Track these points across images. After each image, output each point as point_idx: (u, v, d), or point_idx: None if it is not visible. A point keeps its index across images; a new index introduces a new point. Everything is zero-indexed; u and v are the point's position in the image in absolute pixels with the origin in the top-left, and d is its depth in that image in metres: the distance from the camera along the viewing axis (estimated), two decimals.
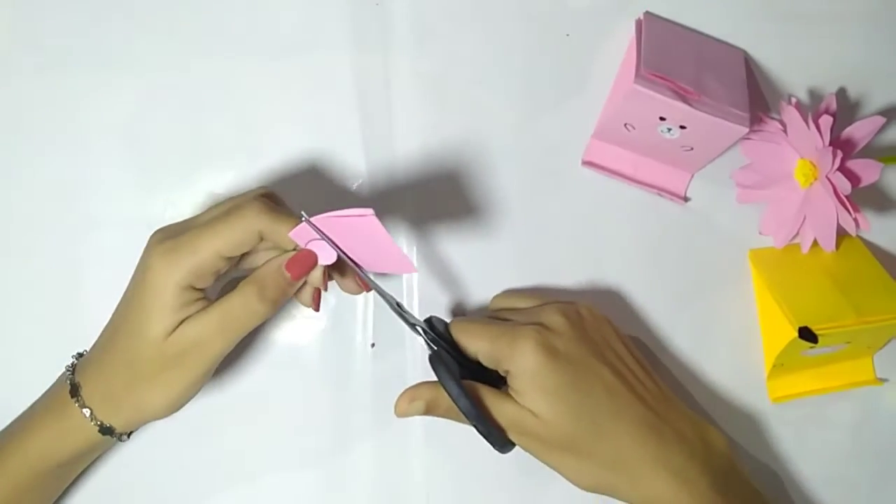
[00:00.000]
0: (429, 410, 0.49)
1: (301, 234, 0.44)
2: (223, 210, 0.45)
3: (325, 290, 0.48)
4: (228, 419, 0.55)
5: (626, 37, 0.57)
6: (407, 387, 0.49)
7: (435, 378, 0.47)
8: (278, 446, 0.55)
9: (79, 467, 0.50)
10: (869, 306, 0.53)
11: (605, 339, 0.50)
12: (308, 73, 0.56)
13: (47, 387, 0.49)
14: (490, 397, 0.48)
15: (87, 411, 0.45)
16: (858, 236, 0.58)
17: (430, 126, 0.57)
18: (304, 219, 0.42)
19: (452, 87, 0.57)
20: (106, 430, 0.46)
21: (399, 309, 0.48)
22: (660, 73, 0.51)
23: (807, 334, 0.52)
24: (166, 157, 0.55)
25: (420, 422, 0.55)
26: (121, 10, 0.55)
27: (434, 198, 0.57)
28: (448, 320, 0.52)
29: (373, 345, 0.56)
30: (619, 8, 0.58)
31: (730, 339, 0.59)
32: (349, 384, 0.55)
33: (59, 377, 0.48)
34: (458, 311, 0.57)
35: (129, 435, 0.48)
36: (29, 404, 0.48)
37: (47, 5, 0.55)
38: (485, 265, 0.57)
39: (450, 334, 0.50)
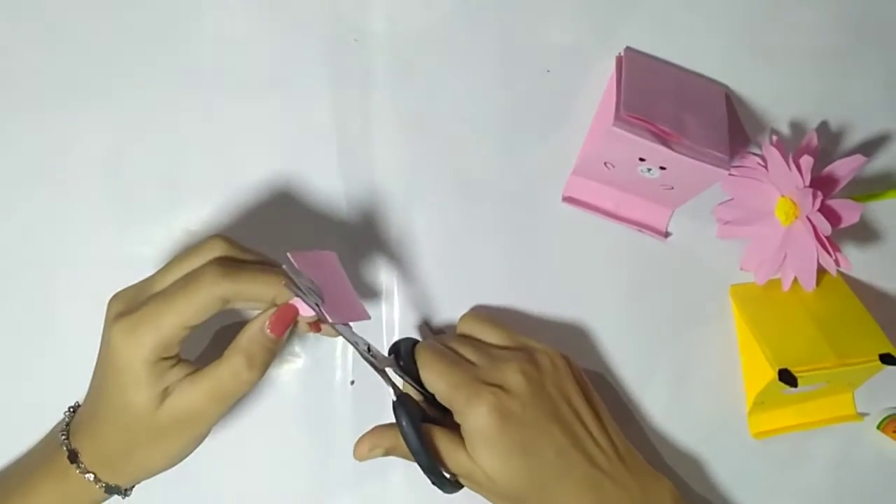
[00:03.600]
0: (388, 454, 0.50)
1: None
2: (180, 279, 0.43)
3: (319, 331, 0.48)
4: (207, 459, 0.54)
5: (606, 72, 0.57)
6: (367, 430, 0.50)
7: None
8: (257, 486, 0.55)
9: None
10: (849, 348, 0.53)
11: (563, 393, 0.50)
12: (287, 109, 0.55)
13: (20, 427, 0.49)
14: (446, 445, 0.48)
15: (90, 476, 0.45)
16: (840, 273, 0.58)
17: (409, 162, 0.56)
18: (285, 274, 0.43)
19: (432, 122, 0.57)
20: (111, 490, 0.46)
21: (368, 354, 0.48)
22: (639, 115, 0.50)
23: (786, 377, 0.51)
24: (143, 194, 0.55)
25: (400, 463, 0.55)
26: (97, 47, 0.55)
27: (414, 233, 0.56)
28: (419, 338, 0.52)
29: (352, 382, 0.55)
30: (599, 43, 0.57)
31: (711, 374, 0.59)
32: (329, 422, 0.55)
33: (51, 439, 0.48)
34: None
35: (131, 489, 0.48)
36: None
37: (24, 42, 0.54)
38: (464, 300, 0.56)
39: (415, 360, 0.50)
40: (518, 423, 0.47)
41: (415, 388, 0.50)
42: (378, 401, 0.55)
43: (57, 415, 0.49)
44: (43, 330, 0.54)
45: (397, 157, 0.56)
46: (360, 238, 0.56)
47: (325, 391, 0.55)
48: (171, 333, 0.42)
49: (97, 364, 0.45)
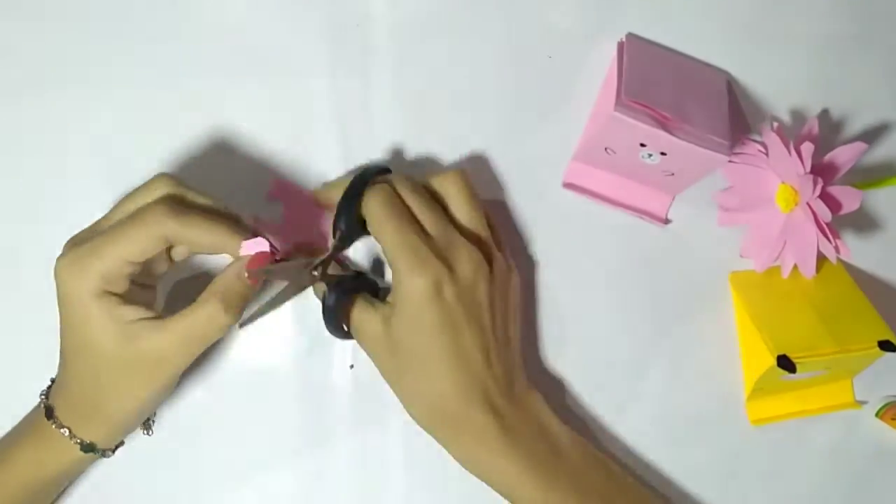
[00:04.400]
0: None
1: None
2: (126, 215, 0.44)
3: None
4: (204, 441, 0.54)
5: (608, 58, 0.57)
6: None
7: None
8: (254, 469, 0.55)
9: (65, 483, 0.51)
10: (848, 335, 0.53)
11: (493, 304, 0.50)
12: (287, 93, 0.55)
13: (19, 406, 0.49)
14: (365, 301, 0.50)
15: (65, 431, 0.45)
16: (840, 260, 0.58)
17: (410, 148, 0.56)
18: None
19: (433, 108, 0.56)
20: (87, 448, 0.46)
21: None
22: (641, 101, 0.50)
23: (785, 363, 0.52)
24: (140, 175, 0.53)
25: (400, 443, 0.55)
26: (100, 30, 0.54)
27: None
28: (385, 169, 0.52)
29: (352, 366, 0.55)
30: (601, 29, 0.57)
31: (710, 360, 0.59)
32: (328, 406, 0.55)
33: (35, 406, 0.48)
34: None
35: (113, 451, 0.48)
36: None
37: (23, 23, 0.54)
38: None
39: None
40: (445, 307, 0.47)
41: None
42: (378, 385, 0.55)
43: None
44: (40, 308, 0.53)
45: (398, 142, 0.56)
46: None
47: (323, 374, 0.55)
48: (113, 265, 0.42)
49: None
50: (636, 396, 0.58)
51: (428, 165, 0.56)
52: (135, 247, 0.42)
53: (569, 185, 0.57)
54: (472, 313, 0.48)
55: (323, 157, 0.55)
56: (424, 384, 0.49)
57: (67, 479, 0.50)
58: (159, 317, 0.44)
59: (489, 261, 0.50)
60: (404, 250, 0.47)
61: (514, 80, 0.57)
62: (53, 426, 0.45)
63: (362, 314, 0.49)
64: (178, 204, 0.44)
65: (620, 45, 0.56)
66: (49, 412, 0.46)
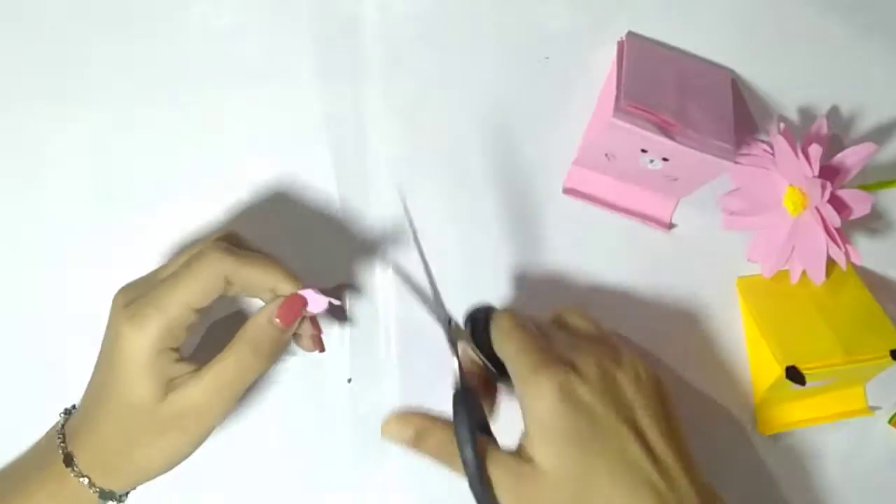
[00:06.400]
0: (417, 442, 0.44)
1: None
2: (183, 260, 0.44)
3: (322, 350, 0.49)
4: (200, 458, 0.53)
5: (607, 58, 0.55)
6: (400, 409, 0.45)
7: (432, 410, 0.45)
8: (250, 488, 0.54)
9: None
10: (859, 344, 0.52)
11: (639, 404, 0.43)
12: (278, 102, 0.54)
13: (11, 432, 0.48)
14: (494, 453, 0.43)
15: (84, 480, 0.44)
16: (851, 264, 0.56)
17: (404, 155, 0.55)
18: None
19: (427, 113, 0.55)
20: (106, 496, 0.45)
21: (449, 326, 0.47)
22: (641, 105, 0.48)
23: (794, 374, 0.50)
24: (131, 192, 0.53)
25: (397, 462, 0.54)
26: (85, 42, 0.53)
27: (410, 226, 0.55)
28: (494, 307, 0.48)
29: (349, 380, 0.54)
30: (600, 28, 0.55)
31: (718, 368, 0.57)
32: (326, 421, 0.54)
33: (46, 443, 0.47)
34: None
35: (127, 494, 0.47)
36: None
37: (7, 34, 0.53)
38: (463, 295, 0.54)
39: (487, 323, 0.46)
40: (582, 407, 0.41)
41: (481, 359, 0.47)
42: (376, 399, 0.54)
43: (41, 417, 0.48)
44: (27, 332, 0.53)
45: (392, 148, 0.55)
46: (354, 231, 0.54)
47: (320, 389, 0.54)
48: (177, 315, 0.42)
49: (99, 358, 0.45)
50: None
51: (422, 171, 0.55)
52: (196, 289, 0.42)
53: (569, 191, 0.56)
54: (619, 414, 0.42)
55: (314, 165, 0.54)
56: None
57: None
58: (197, 369, 0.44)
59: (616, 359, 0.44)
60: (526, 354, 0.43)
61: (510, 83, 0.56)
62: (73, 474, 0.44)
63: (500, 472, 0.42)
64: (231, 246, 0.44)
65: (620, 45, 0.54)
66: (69, 459, 0.44)
